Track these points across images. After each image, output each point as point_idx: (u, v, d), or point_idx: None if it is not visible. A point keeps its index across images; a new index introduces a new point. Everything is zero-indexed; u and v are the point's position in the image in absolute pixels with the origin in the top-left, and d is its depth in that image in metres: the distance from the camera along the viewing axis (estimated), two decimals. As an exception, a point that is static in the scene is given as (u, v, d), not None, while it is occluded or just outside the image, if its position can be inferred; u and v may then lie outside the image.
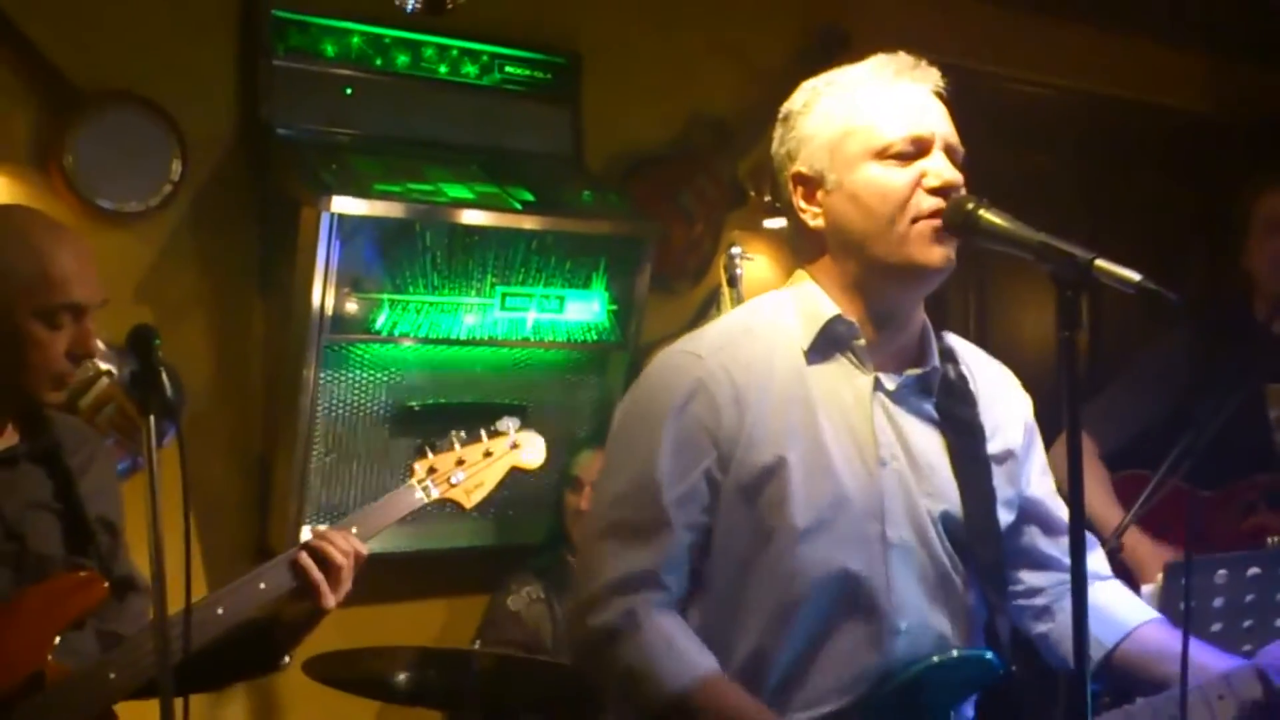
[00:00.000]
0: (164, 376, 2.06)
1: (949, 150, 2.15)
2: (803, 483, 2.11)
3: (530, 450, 2.87)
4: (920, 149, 2.13)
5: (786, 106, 2.25)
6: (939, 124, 2.16)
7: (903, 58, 2.21)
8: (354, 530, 2.59)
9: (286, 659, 2.55)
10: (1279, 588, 2.78)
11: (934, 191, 2.10)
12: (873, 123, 2.14)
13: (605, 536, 2.14)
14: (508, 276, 3.93)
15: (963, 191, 2.12)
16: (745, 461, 2.12)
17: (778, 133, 2.25)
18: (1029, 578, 2.35)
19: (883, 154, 2.13)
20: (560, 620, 3.80)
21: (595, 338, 4.15)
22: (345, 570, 2.51)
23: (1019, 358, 2.50)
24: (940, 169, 2.12)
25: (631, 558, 2.11)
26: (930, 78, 2.21)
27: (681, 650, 2.08)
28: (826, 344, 2.18)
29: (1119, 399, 3.90)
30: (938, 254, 2.11)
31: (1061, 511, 2.34)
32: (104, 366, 3.44)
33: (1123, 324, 5.39)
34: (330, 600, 2.50)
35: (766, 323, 2.22)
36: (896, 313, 2.21)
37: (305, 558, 2.49)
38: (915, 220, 2.11)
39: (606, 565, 2.12)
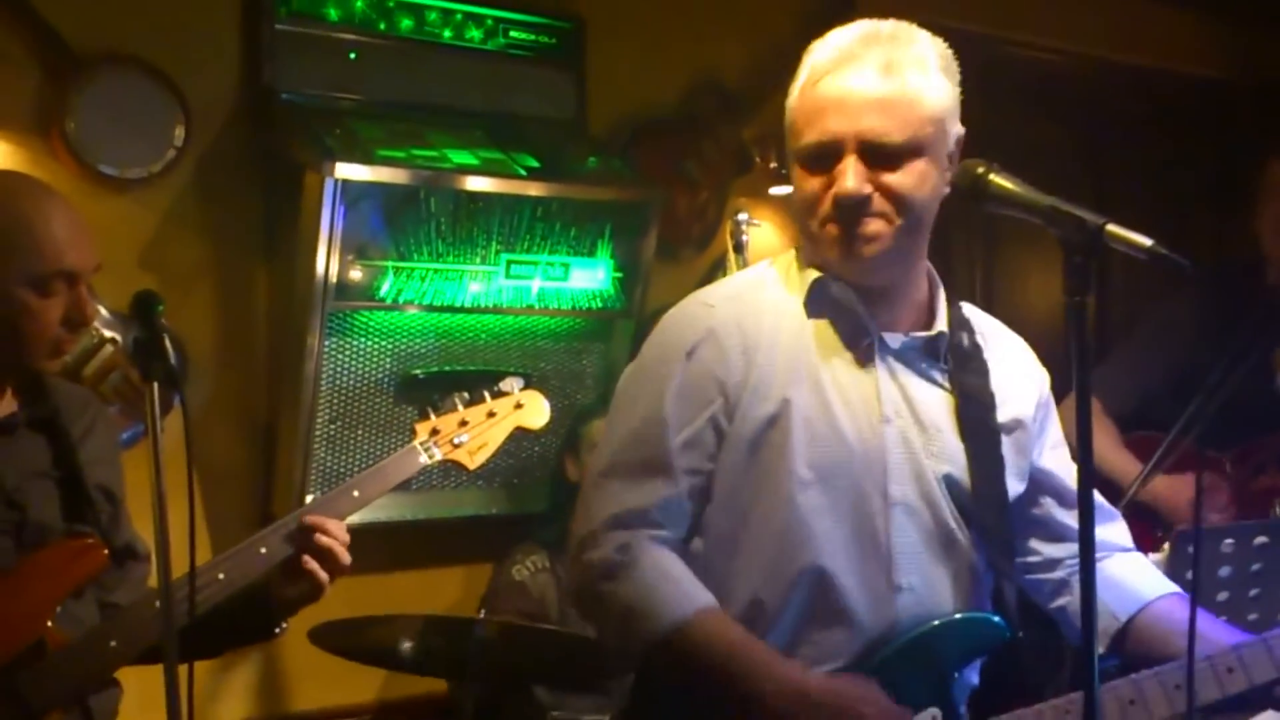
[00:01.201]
0: (167, 342, 2.05)
1: (867, 148, 2.07)
2: (805, 432, 2.11)
3: (534, 410, 2.82)
4: (829, 154, 2.09)
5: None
6: (853, 123, 2.07)
7: (845, 38, 2.13)
8: (356, 494, 2.56)
9: (283, 625, 2.54)
10: (1286, 556, 2.77)
11: (836, 201, 2.09)
12: (791, 124, 2.15)
13: (607, 475, 2.15)
14: (512, 243, 3.91)
15: (874, 202, 2.08)
16: (751, 412, 2.12)
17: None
18: (1046, 549, 2.34)
19: (799, 156, 2.14)
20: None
21: (600, 305, 4.13)
22: (345, 563, 2.48)
23: (1025, 324, 2.49)
24: (843, 178, 2.07)
25: (631, 495, 2.11)
26: (876, 58, 2.08)
27: (679, 583, 2.08)
28: (830, 303, 2.18)
29: (1125, 362, 3.90)
30: (845, 259, 2.12)
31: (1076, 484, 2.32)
32: (108, 334, 3.43)
33: (1130, 290, 5.37)
34: (327, 588, 2.48)
35: (775, 279, 2.24)
36: (872, 289, 2.19)
37: (311, 562, 2.44)
38: (824, 225, 2.11)
39: (606, 502, 2.12)
